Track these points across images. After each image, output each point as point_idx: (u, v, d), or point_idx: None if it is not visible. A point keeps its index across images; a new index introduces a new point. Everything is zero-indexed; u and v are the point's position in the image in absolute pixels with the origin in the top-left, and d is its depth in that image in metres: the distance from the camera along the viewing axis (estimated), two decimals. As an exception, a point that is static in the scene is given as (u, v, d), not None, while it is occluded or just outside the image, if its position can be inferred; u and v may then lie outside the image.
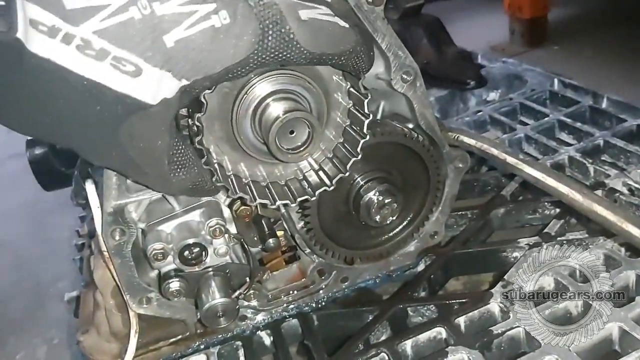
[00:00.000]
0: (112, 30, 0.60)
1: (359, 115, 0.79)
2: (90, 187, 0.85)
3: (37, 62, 0.59)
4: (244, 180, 0.80)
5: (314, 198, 0.81)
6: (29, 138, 1.29)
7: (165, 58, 0.63)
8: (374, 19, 0.82)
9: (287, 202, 0.80)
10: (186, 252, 0.84)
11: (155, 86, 0.64)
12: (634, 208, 1.06)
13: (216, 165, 0.77)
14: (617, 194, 1.10)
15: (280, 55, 0.67)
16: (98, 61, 0.60)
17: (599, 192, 1.10)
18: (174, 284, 0.84)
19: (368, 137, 0.79)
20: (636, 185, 1.10)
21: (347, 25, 0.72)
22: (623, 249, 0.96)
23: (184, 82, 0.66)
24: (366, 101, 0.77)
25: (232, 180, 0.78)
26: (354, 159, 0.79)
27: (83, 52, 0.59)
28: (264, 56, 0.67)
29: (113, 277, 0.87)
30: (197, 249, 0.85)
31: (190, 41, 0.63)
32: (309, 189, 0.81)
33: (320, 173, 0.81)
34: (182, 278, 0.85)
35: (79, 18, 0.58)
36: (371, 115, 0.78)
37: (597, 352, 0.81)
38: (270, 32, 0.65)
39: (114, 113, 0.64)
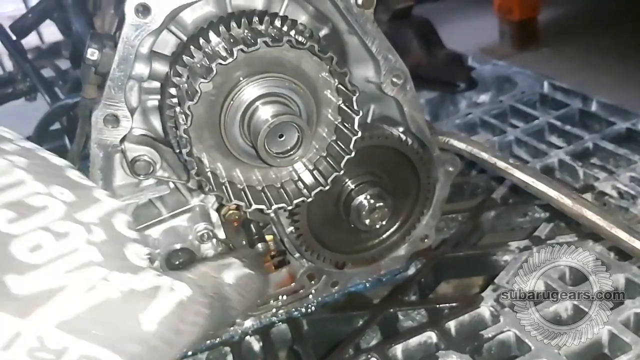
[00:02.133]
0: (80, 319, 0.41)
1: (349, 111, 0.78)
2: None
3: None
4: (239, 186, 0.79)
5: (310, 199, 0.80)
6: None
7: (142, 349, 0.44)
8: (363, 22, 0.81)
9: (284, 205, 0.79)
10: (173, 258, 0.83)
11: None
12: (623, 211, 1.06)
13: (209, 174, 0.76)
14: (606, 197, 1.10)
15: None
16: None
17: (589, 195, 1.11)
18: (161, 290, 0.82)
19: (359, 133, 0.78)
20: (625, 189, 1.10)
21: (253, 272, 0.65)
22: (612, 252, 0.97)
23: None
24: (354, 97, 0.77)
25: (226, 187, 0.77)
26: (347, 156, 0.79)
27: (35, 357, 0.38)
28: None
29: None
30: (184, 255, 0.83)
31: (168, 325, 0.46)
32: (305, 190, 0.80)
33: (315, 173, 0.81)
34: (170, 284, 0.83)
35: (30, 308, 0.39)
36: (361, 112, 0.78)
37: (587, 355, 0.81)
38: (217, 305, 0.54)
39: None
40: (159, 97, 0.81)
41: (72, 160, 0.91)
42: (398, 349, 0.87)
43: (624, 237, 0.74)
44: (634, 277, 0.90)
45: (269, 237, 0.92)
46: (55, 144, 1.25)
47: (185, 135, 0.71)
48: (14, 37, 1.49)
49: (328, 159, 0.81)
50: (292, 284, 0.98)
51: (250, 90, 0.74)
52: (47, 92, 1.40)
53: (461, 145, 0.92)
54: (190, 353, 0.95)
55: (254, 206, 0.77)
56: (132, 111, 0.77)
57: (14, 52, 1.51)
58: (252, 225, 0.89)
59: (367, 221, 0.90)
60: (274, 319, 0.98)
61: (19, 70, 1.57)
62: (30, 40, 1.57)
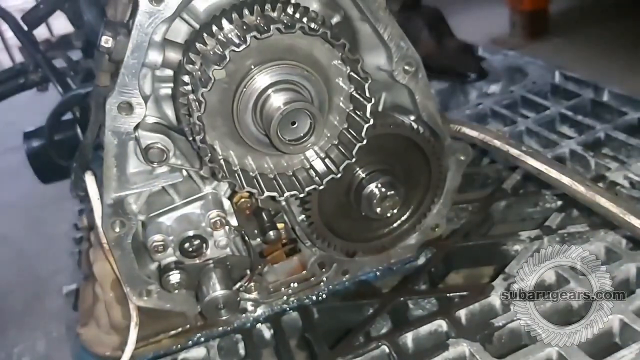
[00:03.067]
0: None
1: (361, 99, 0.78)
2: (89, 178, 0.85)
3: None
4: (251, 174, 0.79)
5: (321, 187, 0.81)
6: (27, 130, 1.28)
7: None
8: (375, 9, 0.81)
9: (295, 192, 0.80)
10: (187, 244, 0.84)
11: None
12: (635, 201, 1.06)
13: (222, 162, 0.76)
14: (618, 187, 1.10)
15: None
16: None
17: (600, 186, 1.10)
18: (175, 276, 0.83)
19: (371, 121, 0.78)
20: (637, 179, 1.10)
21: None
22: (624, 242, 0.96)
23: None
24: (367, 85, 0.77)
25: (239, 175, 0.77)
26: (359, 144, 0.79)
27: None
28: None
29: (113, 269, 0.87)
30: (197, 241, 0.84)
31: None
32: (317, 178, 0.80)
33: (327, 161, 0.81)
34: (183, 270, 0.84)
35: None
36: (373, 100, 0.78)
37: (598, 344, 0.81)
38: None
39: None
40: (171, 85, 0.81)
41: (86, 149, 0.92)
42: (408, 337, 0.87)
43: (637, 223, 0.73)
44: (646, 266, 0.89)
45: (280, 225, 0.92)
46: (68, 134, 1.26)
47: (198, 122, 0.71)
48: (25, 28, 1.50)
49: (340, 146, 0.81)
50: (303, 272, 0.99)
51: (262, 78, 0.74)
52: (59, 83, 1.41)
53: (473, 133, 0.92)
54: (202, 339, 0.96)
55: (266, 193, 0.77)
56: (145, 99, 0.78)
57: (27, 43, 1.52)
58: (264, 213, 0.90)
59: (378, 209, 0.90)
60: (285, 306, 0.99)
61: (31, 61, 1.58)
62: (38, 34, 1.58)
